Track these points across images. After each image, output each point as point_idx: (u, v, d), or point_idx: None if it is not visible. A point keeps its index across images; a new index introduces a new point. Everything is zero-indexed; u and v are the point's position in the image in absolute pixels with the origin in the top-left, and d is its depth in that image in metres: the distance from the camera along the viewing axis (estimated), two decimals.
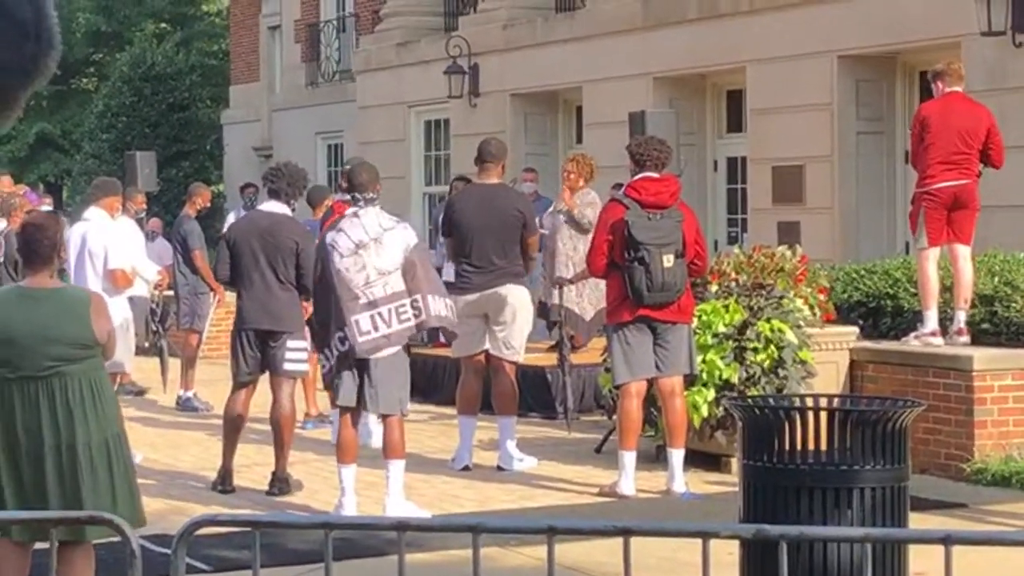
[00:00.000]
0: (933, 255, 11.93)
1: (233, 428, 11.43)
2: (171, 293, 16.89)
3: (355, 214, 10.19)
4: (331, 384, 10.35)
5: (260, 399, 11.79)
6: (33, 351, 6.94)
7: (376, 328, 9.93)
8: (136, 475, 7.24)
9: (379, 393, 10.03)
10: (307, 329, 11.38)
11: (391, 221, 10.24)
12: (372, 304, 9.93)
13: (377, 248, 9.99)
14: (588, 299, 15.42)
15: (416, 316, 9.98)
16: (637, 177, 10.94)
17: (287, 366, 11.23)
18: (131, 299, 13.49)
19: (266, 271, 11.26)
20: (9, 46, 1.82)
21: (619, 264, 10.78)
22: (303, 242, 11.18)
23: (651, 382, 11.02)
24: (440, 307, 10.07)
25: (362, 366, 10.04)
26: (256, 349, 11.30)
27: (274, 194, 11.50)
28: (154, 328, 16.65)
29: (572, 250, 15.49)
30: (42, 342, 6.95)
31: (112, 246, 12.75)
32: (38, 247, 7.17)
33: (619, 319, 10.81)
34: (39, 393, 6.92)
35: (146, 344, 16.28)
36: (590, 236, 15.22)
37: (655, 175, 10.97)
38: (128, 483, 7.05)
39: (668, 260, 10.62)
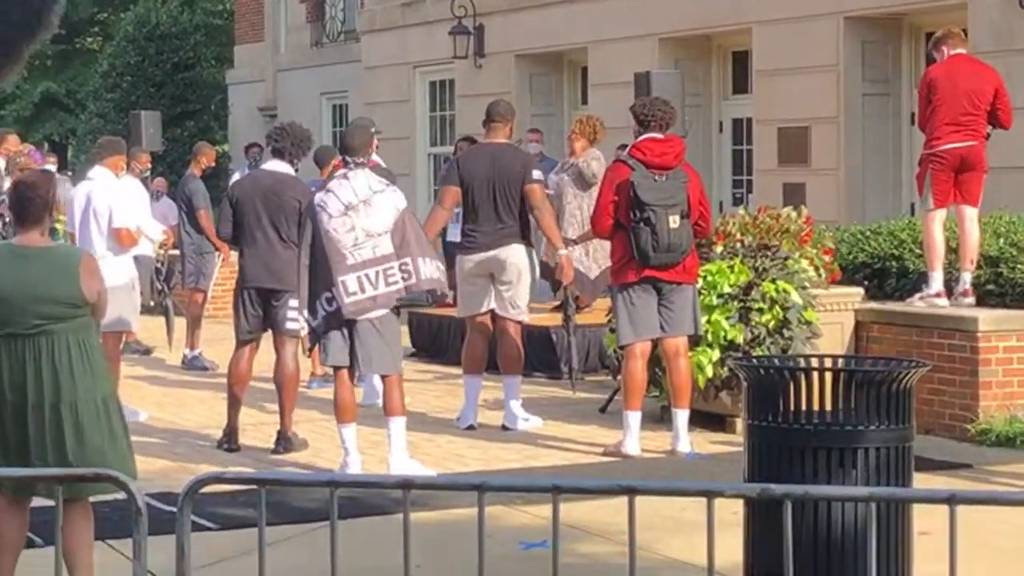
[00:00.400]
0: (939, 217, 11.92)
1: (237, 387, 11.46)
2: (176, 252, 16.90)
3: (344, 175, 10.19)
4: (318, 345, 10.37)
5: (265, 358, 11.80)
6: (21, 309, 6.94)
7: (363, 290, 9.94)
8: (129, 435, 7.22)
9: (372, 354, 10.05)
10: None
11: (381, 184, 10.22)
12: (360, 266, 9.93)
13: (366, 210, 9.99)
14: (594, 258, 15.40)
15: (404, 279, 9.96)
16: (641, 138, 10.93)
17: (290, 325, 11.23)
18: (136, 258, 13.48)
19: (268, 230, 11.27)
20: (15, 3, 1.82)
21: (624, 225, 10.77)
22: (306, 201, 11.17)
23: (655, 343, 11.02)
24: (431, 270, 10.04)
25: (351, 328, 10.04)
26: (258, 307, 11.32)
27: (278, 153, 11.49)
28: (159, 287, 16.67)
29: (577, 208, 15.48)
30: (30, 300, 6.94)
31: (116, 205, 12.74)
32: (29, 205, 7.16)
33: (624, 280, 10.81)
34: (26, 351, 6.92)
35: (151, 303, 16.29)
36: (594, 192, 15.25)
37: (659, 136, 10.95)
38: (117, 442, 7.03)
39: (674, 221, 10.61)
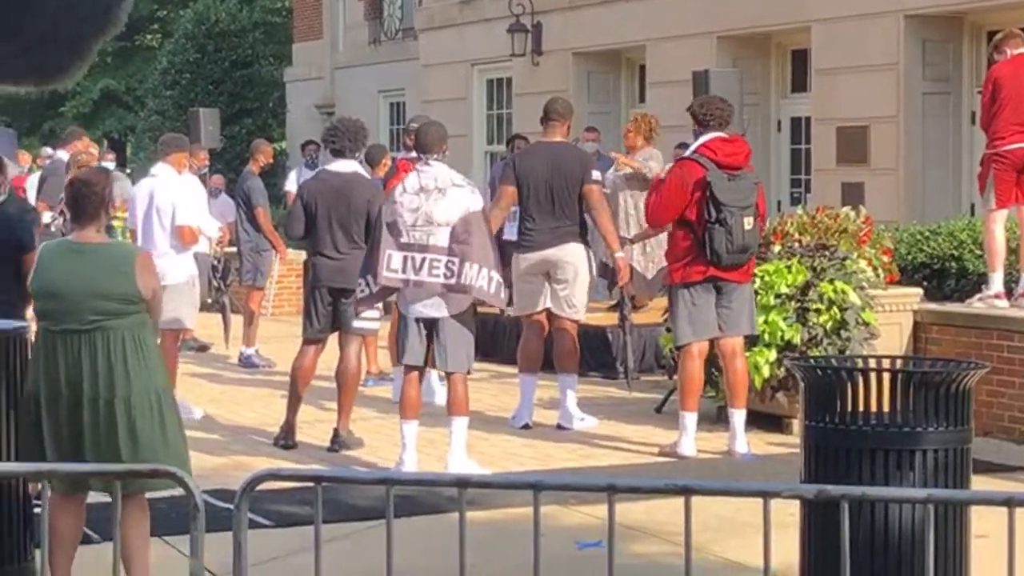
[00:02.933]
0: (1001, 217, 11.84)
1: (300, 384, 11.50)
2: (233, 249, 16.96)
3: (427, 162, 10.23)
4: (395, 344, 10.42)
5: (322, 356, 11.83)
6: (77, 305, 6.99)
7: (404, 270, 9.97)
8: (184, 432, 7.26)
9: (447, 351, 10.07)
10: None
11: (463, 181, 10.27)
12: (409, 246, 9.96)
13: (438, 197, 10.01)
14: (650, 257, 15.38)
15: (446, 276, 9.94)
16: (709, 137, 10.82)
17: (357, 323, 11.28)
18: (194, 255, 13.55)
19: (337, 230, 11.33)
20: None
21: (689, 223, 10.70)
22: (375, 199, 11.23)
23: (712, 342, 10.99)
24: (480, 279, 9.95)
25: (430, 325, 10.07)
26: (328, 307, 11.37)
27: (338, 153, 11.54)
28: (216, 285, 16.71)
29: (633, 208, 15.45)
30: (86, 296, 6.99)
31: (180, 202, 12.79)
32: (85, 202, 7.21)
33: (688, 279, 10.76)
34: (81, 346, 6.97)
35: (208, 300, 16.35)
36: None
37: (725, 135, 10.91)
38: (170, 439, 7.06)
39: (748, 222, 10.57)
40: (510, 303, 12.04)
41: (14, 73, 1.84)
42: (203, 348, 17.38)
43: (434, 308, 10.04)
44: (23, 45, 1.76)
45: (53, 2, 1.74)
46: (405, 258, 9.98)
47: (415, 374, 10.32)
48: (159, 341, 12.70)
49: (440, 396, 12.37)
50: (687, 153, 11.00)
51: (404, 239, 9.99)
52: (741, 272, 10.76)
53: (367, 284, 10.24)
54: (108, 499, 7.12)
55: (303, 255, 14.29)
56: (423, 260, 9.96)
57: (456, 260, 9.92)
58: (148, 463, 6.65)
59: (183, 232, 12.74)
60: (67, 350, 6.99)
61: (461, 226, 9.95)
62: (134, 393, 6.97)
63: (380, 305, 11.45)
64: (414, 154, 13.54)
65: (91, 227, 7.22)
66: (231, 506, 4.68)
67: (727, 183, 10.61)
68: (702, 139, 10.84)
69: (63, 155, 15.33)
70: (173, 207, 12.74)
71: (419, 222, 9.99)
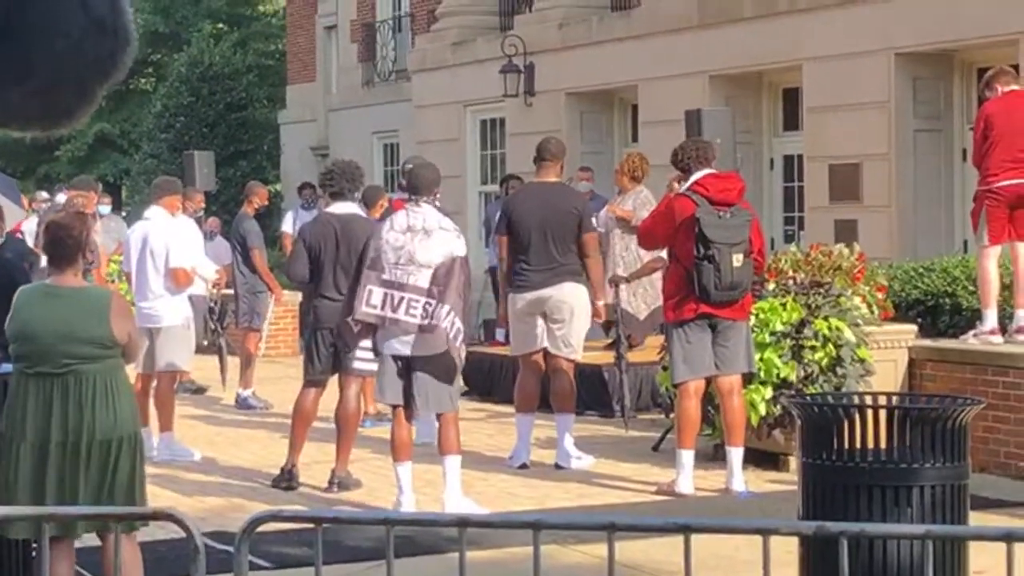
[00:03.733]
0: (994, 253, 11.87)
1: (301, 426, 11.52)
2: (230, 292, 16.98)
3: (418, 203, 10.27)
4: (375, 384, 10.43)
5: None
6: (51, 348, 7.02)
7: (382, 307, 9.99)
8: (144, 479, 7.24)
9: (427, 392, 10.07)
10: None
11: (450, 225, 10.30)
12: (390, 284, 9.99)
13: (423, 238, 10.05)
14: (642, 299, 15.41)
15: (422, 317, 9.95)
16: (702, 174, 10.90)
17: (357, 364, 11.30)
18: (190, 298, 13.56)
19: (339, 272, 11.37)
20: (90, 43, 1.86)
21: (680, 259, 10.76)
22: None
23: (709, 380, 11.01)
24: (446, 323, 9.94)
25: (408, 364, 10.07)
26: (329, 348, 11.39)
27: (337, 196, 11.62)
28: (212, 327, 16.74)
29: (624, 249, 15.47)
30: (61, 339, 7.03)
31: (173, 245, 12.83)
32: (62, 246, 7.25)
33: (680, 316, 10.79)
34: (53, 389, 7.00)
35: (205, 343, 16.37)
36: None
37: (718, 172, 10.98)
38: (129, 486, 7.06)
39: (738, 259, 10.61)
40: (504, 343, 12.04)
41: (21, 117, 1.87)
42: (200, 390, 17.39)
43: (409, 346, 10.04)
44: (31, 89, 1.80)
45: (62, 47, 1.77)
46: (385, 295, 10.01)
47: (401, 414, 10.30)
48: (155, 384, 12.80)
49: (431, 432, 12.37)
50: (681, 189, 11.06)
51: (386, 276, 10.03)
52: (735, 309, 10.79)
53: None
54: (98, 542, 7.15)
55: (298, 296, 14.33)
56: (401, 299, 9.98)
57: (434, 303, 9.93)
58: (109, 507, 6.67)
59: (177, 275, 12.76)
60: (38, 393, 7.01)
61: (443, 270, 9.98)
62: (96, 439, 6.97)
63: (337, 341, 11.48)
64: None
65: (68, 271, 7.27)
66: (231, 548, 4.68)
67: (717, 220, 10.65)
68: (695, 176, 10.91)
69: (62, 198, 15.36)
70: (167, 250, 12.77)
71: (401, 260, 10.02)
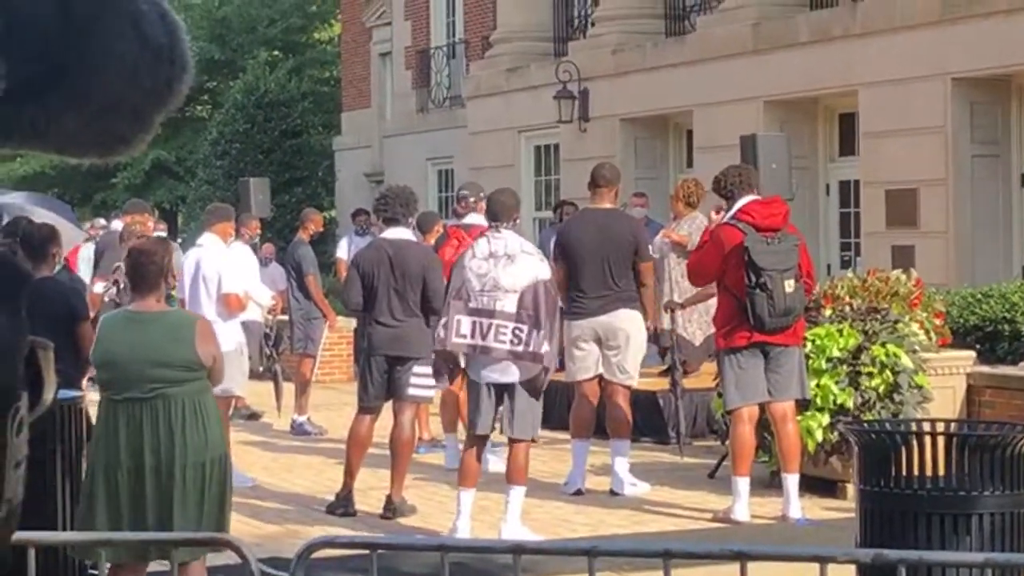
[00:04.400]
0: None
1: (356, 452, 11.51)
2: (285, 318, 17.03)
3: (498, 229, 10.27)
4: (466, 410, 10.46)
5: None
6: (138, 373, 7.06)
7: (472, 335, 9.98)
8: (231, 500, 7.28)
9: (515, 417, 10.06)
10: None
11: (533, 249, 10.32)
12: (477, 311, 9.98)
13: (506, 263, 10.04)
14: (697, 324, 15.36)
15: (513, 343, 9.94)
16: (745, 201, 10.87)
17: (411, 391, 11.31)
18: (245, 324, 13.60)
19: (393, 298, 11.36)
20: (146, 70, 1.86)
21: (731, 288, 10.73)
22: (430, 266, 11.30)
23: (763, 407, 10.95)
24: (543, 347, 9.97)
25: (500, 391, 10.08)
26: (383, 375, 11.39)
27: (392, 221, 11.61)
28: (268, 353, 16.77)
29: (681, 276, 15.41)
30: (147, 364, 7.06)
31: (225, 271, 12.87)
32: (145, 272, 7.30)
33: (733, 343, 10.75)
34: (143, 414, 7.03)
35: (260, 368, 16.41)
36: None
37: (760, 198, 10.94)
38: (219, 508, 7.09)
39: (790, 285, 10.55)
40: (560, 369, 12.03)
41: (78, 144, 1.87)
42: (255, 416, 17.42)
43: (504, 374, 10.04)
44: (88, 116, 1.80)
45: (117, 74, 1.77)
46: (474, 323, 10.00)
47: (479, 444, 10.32)
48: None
49: (493, 462, 12.34)
50: (725, 219, 11.01)
51: (472, 304, 10.02)
52: (788, 335, 10.73)
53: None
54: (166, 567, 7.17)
55: (353, 323, 14.35)
56: (490, 326, 9.97)
57: (524, 327, 9.92)
58: (207, 530, 6.69)
59: (229, 300, 12.81)
60: (129, 419, 7.04)
61: (529, 294, 9.96)
62: (189, 462, 7.01)
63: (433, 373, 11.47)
64: (465, 221, 13.62)
65: (151, 296, 7.30)
66: (286, 574, 4.68)
67: (765, 247, 10.60)
68: (739, 203, 10.86)
69: (117, 225, 15.45)
70: (219, 276, 12.82)
71: (487, 287, 10.01)
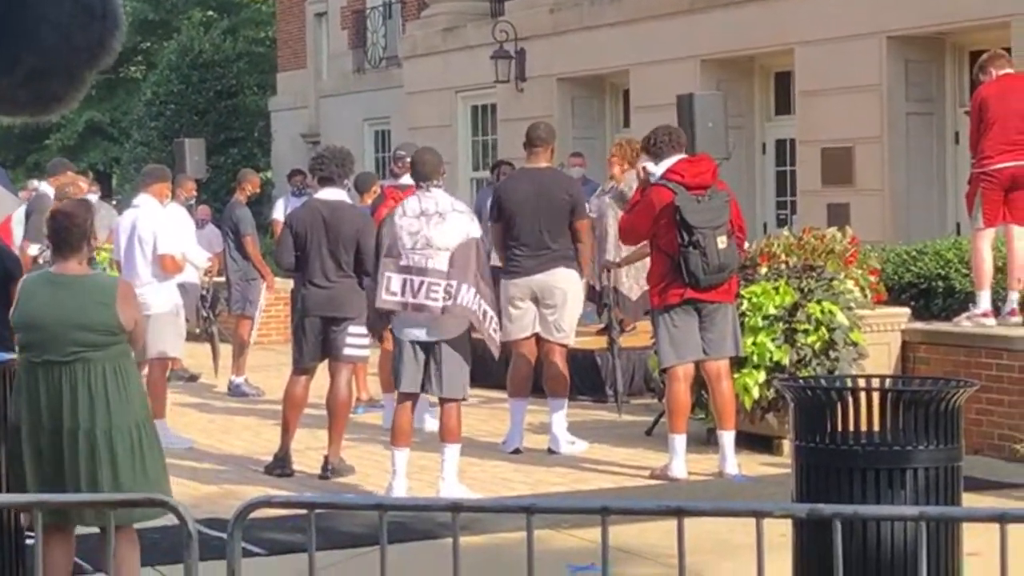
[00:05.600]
0: (988, 236, 11.88)
1: (292, 413, 11.49)
2: (222, 279, 16.97)
3: (427, 188, 10.25)
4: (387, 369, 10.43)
5: (312, 384, 11.83)
6: (58, 336, 7.02)
7: (403, 293, 9.97)
8: (165, 463, 7.26)
9: (444, 376, 10.06)
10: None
11: (463, 207, 10.31)
12: (408, 269, 9.97)
13: (438, 221, 10.03)
14: (634, 280, 15.39)
15: (444, 299, 9.94)
16: (674, 160, 10.91)
17: (347, 351, 11.30)
18: (182, 285, 13.54)
19: (327, 259, 11.32)
20: (78, 26, 1.85)
21: (663, 248, 10.75)
22: (364, 227, 11.25)
23: (698, 364, 11.00)
24: (474, 306, 9.98)
25: (426, 349, 10.07)
26: (318, 336, 11.37)
27: (327, 181, 11.54)
28: (204, 314, 16.73)
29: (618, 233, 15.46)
30: (67, 327, 7.02)
31: (161, 232, 12.81)
32: (67, 234, 7.25)
33: (666, 302, 10.79)
34: (62, 378, 6.99)
35: (197, 330, 16.35)
36: None
37: (688, 156, 10.99)
38: (148, 472, 7.06)
39: (722, 241, 10.60)
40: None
41: (11, 104, 1.86)
42: (193, 378, 17.37)
43: (430, 331, 10.05)
44: (21, 76, 1.78)
45: (50, 33, 1.76)
46: (404, 281, 9.99)
47: (409, 402, 10.32)
48: (146, 372, 12.79)
49: (430, 422, 12.36)
50: (654, 179, 11.01)
51: (403, 262, 10.01)
52: (721, 292, 10.78)
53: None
54: (97, 530, 7.14)
55: (290, 284, 14.30)
56: (421, 283, 9.96)
57: (454, 283, 9.93)
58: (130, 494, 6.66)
59: (165, 261, 12.75)
60: (48, 381, 7.01)
61: (460, 252, 9.97)
62: (114, 425, 6.98)
63: (368, 332, 11.46)
64: (401, 181, 13.59)
65: (73, 259, 7.25)
66: (224, 535, 4.67)
67: (696, 205, 10.64)
68: (667, 163, 10.89)
69: (48, 188, 15.31)
70: (155, 237, 12.75)
71: (418, 245, 10.00)
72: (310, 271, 11.38)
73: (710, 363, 10.91)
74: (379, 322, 10.56)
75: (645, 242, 11.48)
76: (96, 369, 7.01)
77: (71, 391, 6.99)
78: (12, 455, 7.08)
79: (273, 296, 19.55)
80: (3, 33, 1.77)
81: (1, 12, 1.76)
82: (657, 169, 10.92)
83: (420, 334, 10.07)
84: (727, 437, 10.97)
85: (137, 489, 6.86)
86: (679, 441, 10.90)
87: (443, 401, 10.32)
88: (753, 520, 4.25)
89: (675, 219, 10.58)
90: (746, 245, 11.60)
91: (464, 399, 10.32)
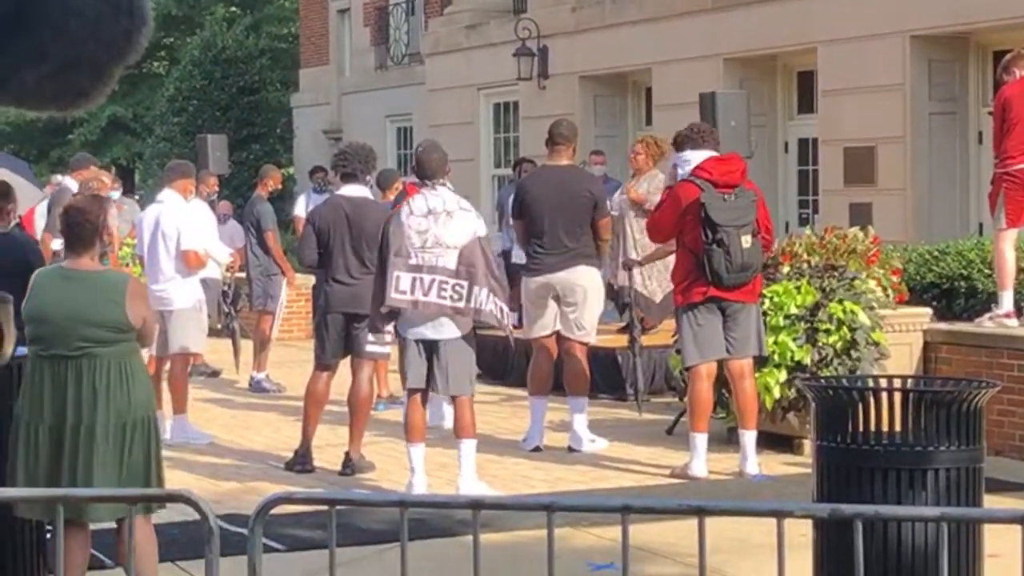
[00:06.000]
0: (1011, 236, 11.85)
1: (313, 409, 11.52)
2: (243, 275, 16.99)
3: (433, 187, 10.27)
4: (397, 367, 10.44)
5: (334, 380, 11.84)
6: (67, 331, 7.04)
7: (413, 291, 9.98)
8: (161, 462, 7.27)
9: (448, 374, 10.08)
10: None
11: (468, 204, 10.32)
12: (418, 268, 9.98)
13: (446, 220, 10.05)
14: (657, 281, 15.39)
15: (454, 299, 9.96)
16: (703, 157, 10.90)
17: (370, 348, 11.32)
18: (203, 281, 13.57)
19: (350, 256, 11.33)
20: (104, 22, 1.85)
21: (688, 245, 10.75)
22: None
23: (721, 363, 10.99)
24: (488, 303, 10.02)
25: (430, 348, 10.09)
26: (341, 333, 11.38)
27: (350, 177, 11.55)
28: (226, 310, 16.75)
29: (640, 232, 15.44)
30: (75, 323, 7.04)
31: (185, 227, 12.84)
32: (80, 230, 7.27)
33: (690, 300, 10.78)
34: (68, 372, 7.02)
35: (219, 326, 16.38)
36: None
37: (718, 154, 10.97)
38: (142, 469, 7.07)
39: (747, 240, 10.59)
40: (518, 326, 12.06)
41: (38, 98, 1.87)
42: (214, 374, 17.40)
43: (435, 330, 10.06)
44: (48, 70, 1.79)
45: (77, 27, 1.77)
46: (414, 279, 10.00)
47: (418, 397, 10.33)
48: (168, 367, 12.83)
49: (449, 419, 12.36)
50: (682, 175, 11.03)
51: (413, 260, 10.02)
52: (745, 292, 10.76)
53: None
54: (114, 525, 7.17)
55: (311, 280, 14.32)
56: (432, 281, 9.98)
57: (464, 283, 9.95)
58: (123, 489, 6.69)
59: (188, 257, 12.78)
60: (54, 376, 7.04)
61: (468, 250, 9.99)
62: (113, 421, 6.99)
63: (391, 329, 11.47)
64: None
65: (85, 255, 7.28)
66: (244, 530, 4.68)
67: (722, 203, 10.63)
68: (697, 160, 10.89)
69: (71, 182, 15.35)
70: (178, 232, 12.78)
71: (428, 244, 10.02)
72: (333, 268, 11.39)
73: (733, 362, 10.90)
74: (380, 321, 10.53)
75: (668, 241, 11.48)
76: (102, 365, 7.04)
77: (75, 386, 7.01)
78: (13, 447, 7.11)
79: (294, 292, 19.59)
80: (32, 25, 1.78)
81: (31, 6, 1.77)
82: (691, 157, 10.92)
83: (424, 333, 10.09)
84: (748, 436, 10.96)
85: (131, 485, 6.89)
86: (700, 440, 10.89)
87: (453, 398, 10.34)
88: (774, 520, 4.25)
89: (700, 216, 10.57)
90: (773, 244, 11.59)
91: (471, 395, 10.33)
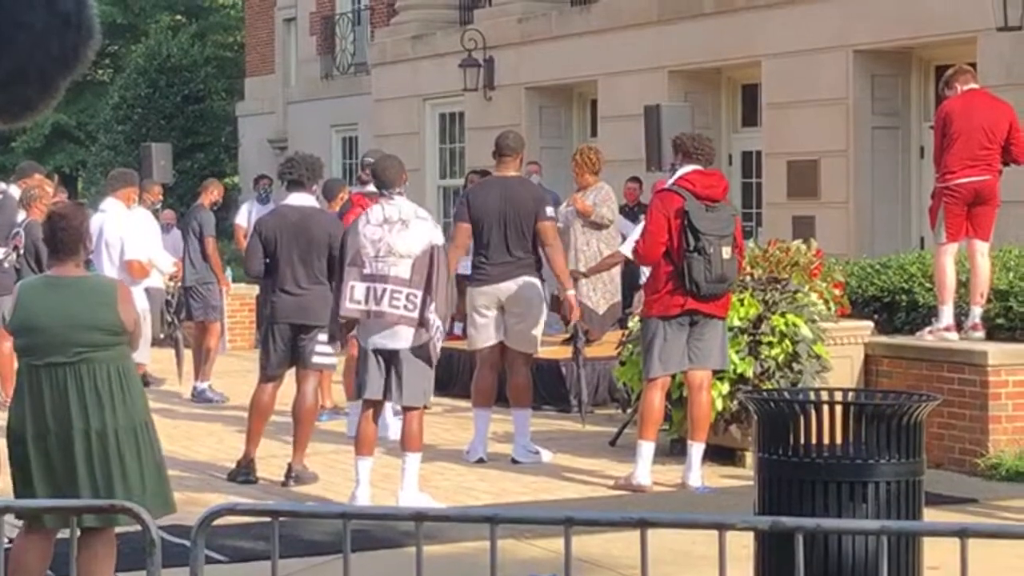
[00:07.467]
0: (951, 251, 11.93)
1: (258, 420, 11.46)
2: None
3: (391, 196, 10.27)
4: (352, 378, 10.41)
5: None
6: (61, 338, 7.02)
7: (366, 301, 9.98)
8: (165, 462, 7.31)
9: (404, 385, 10.06)
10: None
11: (426, 214, 10.33)
12: (372, 277, 9.98)
13: (400, 228, 10.05)
14: (601, 294, 15.41)
15: (407, 309, 9.95)
16: (688, 170, 10.91)
17: (316, 359, 11.28)
18: (147, 290, 13.52)
19: (298, 266, 11.28)
20: (52, 35, 1.85)
21: (669, 254, 10.70)
22: (335, 233, 11.19)
23: (673, 375, 11.01)
24: (434, 316, 10.00)
25: (388, 358, 10.07)
26: (287, 343, 11.33)
27: (296, 185, 11.50)
28: (169, 319, 16.68)
29: (585, 244, 15.46)
30: (70, 329, 7.02)
31: (129, 237, 12.80)
32: (64, 237, 7.26)
33: (666, 312, 10.72)
34: (68, 379, 6.99)
35: (161, 335, 16.31)
36: (606, 231, 15.22)
37: (703, 169, 10.98)
38: (158, 470, 7.13)
39: (726, 252, 10.62)
40: (463, 336, 12.05)
41: None
42: (156, 383, 17.31)
43: (393, 339, 10.05)
44: None
45: (24, 40, 1.77)
46: (367, 289, 10.00)
47: (372, 410, 10.32)
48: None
49: (394, 430, 12.35)
50: (667, 185, 11.04)
51: (367, 270, 10.02)
52: (718, 305, 10.77)
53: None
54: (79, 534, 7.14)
55: (254, 289, 14.28)
56: (384, 291, 9.98)
57: (418, 293, 9.94)
58: (135, 495, 6.68)
59: (132, 266, 12.75)
60: (52, 384, 7.00)
61: (422, 259, 9.98)
62: (122, 426, 6.99)
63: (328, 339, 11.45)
64: (368, 188, 13.59)
65: (70, 261, 7.28)
66: (187, 541, 4.66)
67: (705, 213, 10.66)
68: (681, 171, 10.92)
69: (14, 190, 15.27)
70: (122, 242, 12.75)
71: (381, 253, 10.01)
72: (280, 278, 11.33)
73: (694, 372, 10.90)
74: (339, 331, 10.52)
75: (611, 253, 11.48)
76: (101, 370, 7.03)
77: (77, 392, 6.99)
78: (17, 463, 7.07)
79: (237, 302, 19.53)
80: None
81: None
82: (679, 168, 10.96)
83: (383, 342, 10.08)
84: (696, 448, 10.98)
85: (148, 489, 6.92)
86: (647, 448, 10.91)
87: (405, 409, 10.33)
88: (716, 532, 4.27)
89: (683, 224, 10.58)
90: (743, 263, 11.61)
91: (426, 407, 10.32)
